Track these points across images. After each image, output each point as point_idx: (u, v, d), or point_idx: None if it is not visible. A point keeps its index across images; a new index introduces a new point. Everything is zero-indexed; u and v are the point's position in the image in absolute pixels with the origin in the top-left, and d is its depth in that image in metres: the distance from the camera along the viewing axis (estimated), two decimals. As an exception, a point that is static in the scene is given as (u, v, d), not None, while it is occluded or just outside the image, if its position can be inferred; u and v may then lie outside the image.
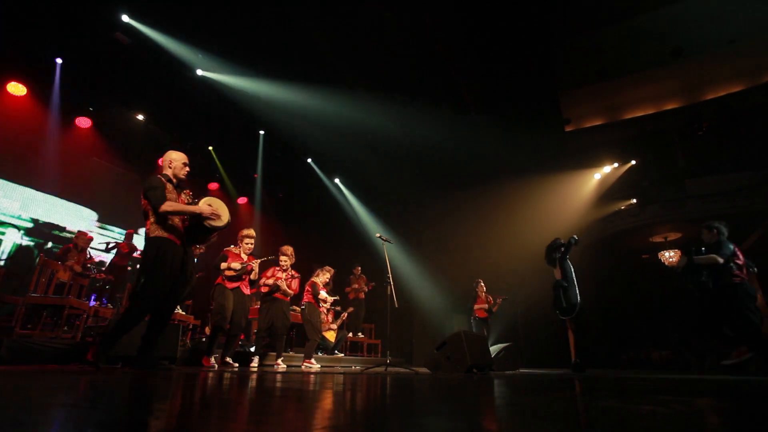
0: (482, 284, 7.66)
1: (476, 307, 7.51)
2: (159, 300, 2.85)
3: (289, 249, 5.25)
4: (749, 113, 11.63)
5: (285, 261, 5.17)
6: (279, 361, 4.90)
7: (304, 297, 5.50)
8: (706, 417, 1.16)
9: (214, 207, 3.09)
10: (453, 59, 7.81)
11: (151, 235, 2.89)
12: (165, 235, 2.90)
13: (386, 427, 0.93)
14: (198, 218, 3.02)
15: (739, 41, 10.87)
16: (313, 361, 5.20)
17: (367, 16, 6.91)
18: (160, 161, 3.15)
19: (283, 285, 5.01)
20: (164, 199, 2.87)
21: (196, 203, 3.09)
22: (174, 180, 3.10)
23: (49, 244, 7.07)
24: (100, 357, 2.68)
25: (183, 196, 3.13)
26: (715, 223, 4.68)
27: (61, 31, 6.27)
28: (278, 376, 2.95)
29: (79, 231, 6.05)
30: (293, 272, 5.25)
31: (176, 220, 2.99)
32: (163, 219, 2.90)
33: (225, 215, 3.16)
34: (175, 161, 3.13)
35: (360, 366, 6.66)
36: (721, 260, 4.27)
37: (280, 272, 5.10)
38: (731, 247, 4.38)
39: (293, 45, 7.36)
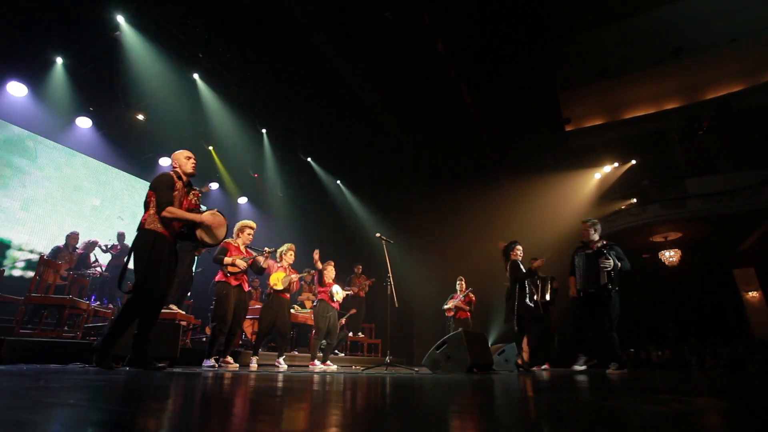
0: (462, 281, 7.51)
1: (444, 306, 7.42)
2: (155, 293, 2.84)
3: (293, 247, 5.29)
4: (750, 112, 11.62)
5: (290, 257, 5.18)
6: (281, 360, 4.90)
7: (319, 295, 5.51)
8: (707, 416, 1.17)
9: (215, 221, 3.11)
10: (452, 58, 7.80)
11: (146, 226, 2.89)
12: (160, 229, 2.90)
13: (386, 428, 0.93)
14: (192, 227, 3.03)
15: (740, 40, 10.87)
16: (317, 362, 5.19)
17: (366, 15, 6.91)
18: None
19: (263, 263, 4.77)
20: (169, 203, 2.91)
21: (202, 212, 3.11)
22: (184, 177, 3.12)
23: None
24: (103, 358, 2.68)
25: (191, 195, 3.13)
26: None
27: (60, 30, 6.26)
28: (279, 376, 2.95)
29: (72, 232, 6.07)
30: (294, 271, 5.26)
31: (174, 221, 3.00)
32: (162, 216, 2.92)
33: (221, 234, 3.16)
34: (178, 158, 3.18)
35: (360, 366, 6.66)
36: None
37: (281, 269, 5.08)
38: None
39: (292, 42, 7.36)
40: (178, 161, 3.16)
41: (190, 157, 3.19)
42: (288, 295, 5.10)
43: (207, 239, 3.08)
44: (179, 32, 6.70)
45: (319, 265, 5.46)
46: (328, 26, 7.12)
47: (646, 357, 11.04)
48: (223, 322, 4.27)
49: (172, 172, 3.09)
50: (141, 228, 2.91)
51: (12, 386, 1.54)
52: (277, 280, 4.94)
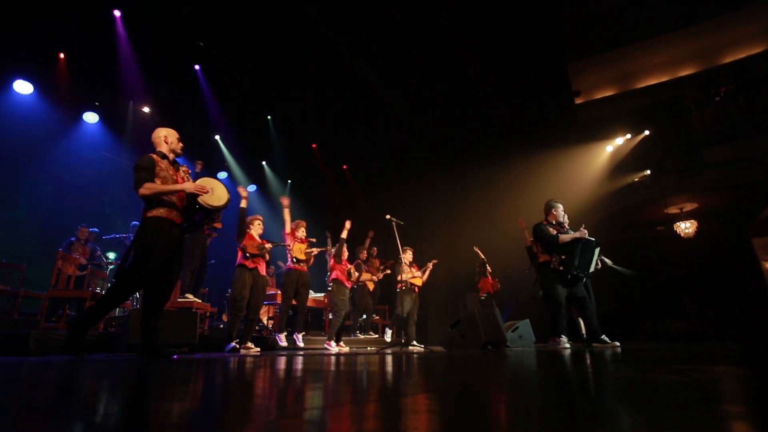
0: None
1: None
2: (147, 281, 2.75)
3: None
4: (770, 75, 11.13)
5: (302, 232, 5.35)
6: (299, 336, 5.01)
7: (333, 273, 5.58)
8: (725, 384, 1.15)
9: (204, 184, 2.96)
10: (457, 31, 7.60)
11: (146, 214, 2.82)
12: (160, 213, 2.82)
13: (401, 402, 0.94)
14: (192, 197, 2.92)
15: (759, -1, 10.33)
16: (332, 343, 5.28)
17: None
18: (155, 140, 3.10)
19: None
20: (145, 180, 2.78)
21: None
22: (170, 155, 3.03)
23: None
24: (74, 342, 2.58)
25: (181, 173, 3.04)
26: None
27: (62, 25, 6.25)
28: (300, 358, 3.00)
29: (81, 225, 6.18)
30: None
31: (173, 198, 2.89)
32: (156, 197, 2.82)
33: (222, 194, 3.02)
34: (169, 136, 3.07)
35: (374, 347, 6.75)
36: None
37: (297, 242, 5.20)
38: None
39: (293, 26, 7.24)
40: (168, 139, 3.06)
41: (179, 138, 3.13)
42: (306, 268, 5.18)
43: (210, 201, 2.94)
44: (180, 23, 6.64)
45: (345, 234, 5.53)
46: (329, 6, 6.96)
47: (663, 329, 10.98)
48: (239, 307, 4.36)
49: (153, 154, 2.96)
50: (142, 217, 2.86)
51: (43, 376, 1.59)
52: (299, 251, 5.04)
